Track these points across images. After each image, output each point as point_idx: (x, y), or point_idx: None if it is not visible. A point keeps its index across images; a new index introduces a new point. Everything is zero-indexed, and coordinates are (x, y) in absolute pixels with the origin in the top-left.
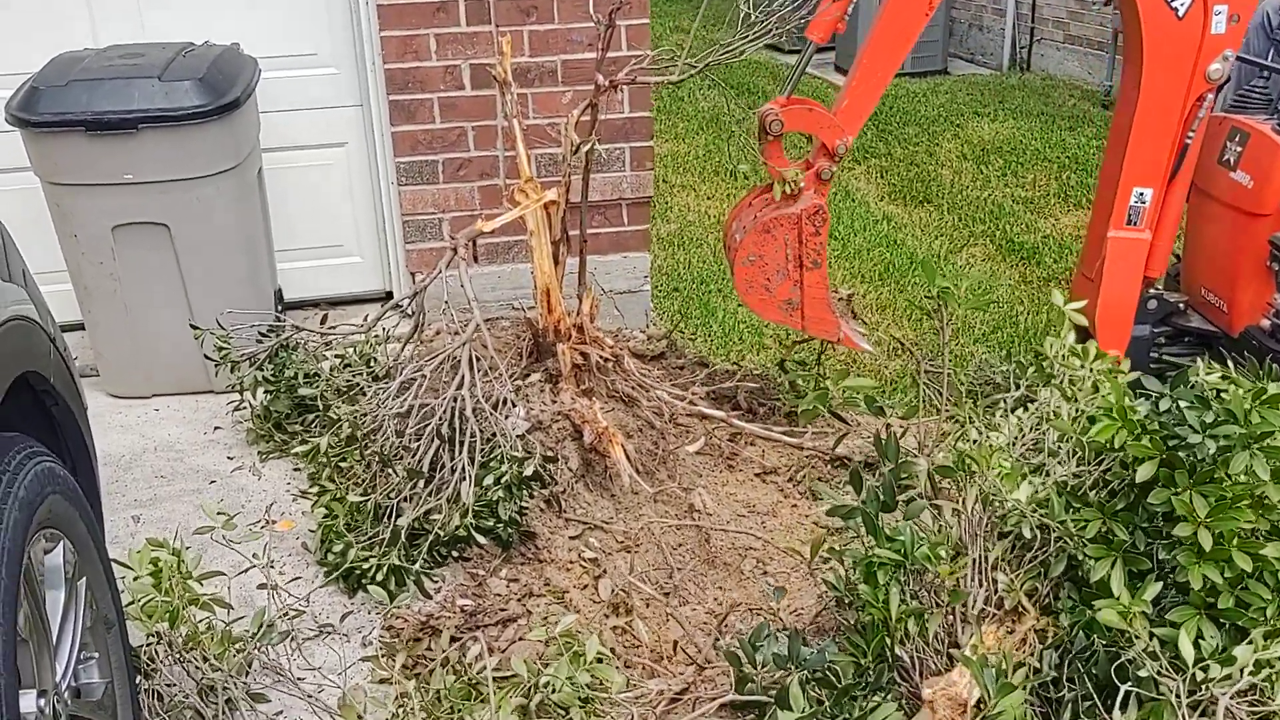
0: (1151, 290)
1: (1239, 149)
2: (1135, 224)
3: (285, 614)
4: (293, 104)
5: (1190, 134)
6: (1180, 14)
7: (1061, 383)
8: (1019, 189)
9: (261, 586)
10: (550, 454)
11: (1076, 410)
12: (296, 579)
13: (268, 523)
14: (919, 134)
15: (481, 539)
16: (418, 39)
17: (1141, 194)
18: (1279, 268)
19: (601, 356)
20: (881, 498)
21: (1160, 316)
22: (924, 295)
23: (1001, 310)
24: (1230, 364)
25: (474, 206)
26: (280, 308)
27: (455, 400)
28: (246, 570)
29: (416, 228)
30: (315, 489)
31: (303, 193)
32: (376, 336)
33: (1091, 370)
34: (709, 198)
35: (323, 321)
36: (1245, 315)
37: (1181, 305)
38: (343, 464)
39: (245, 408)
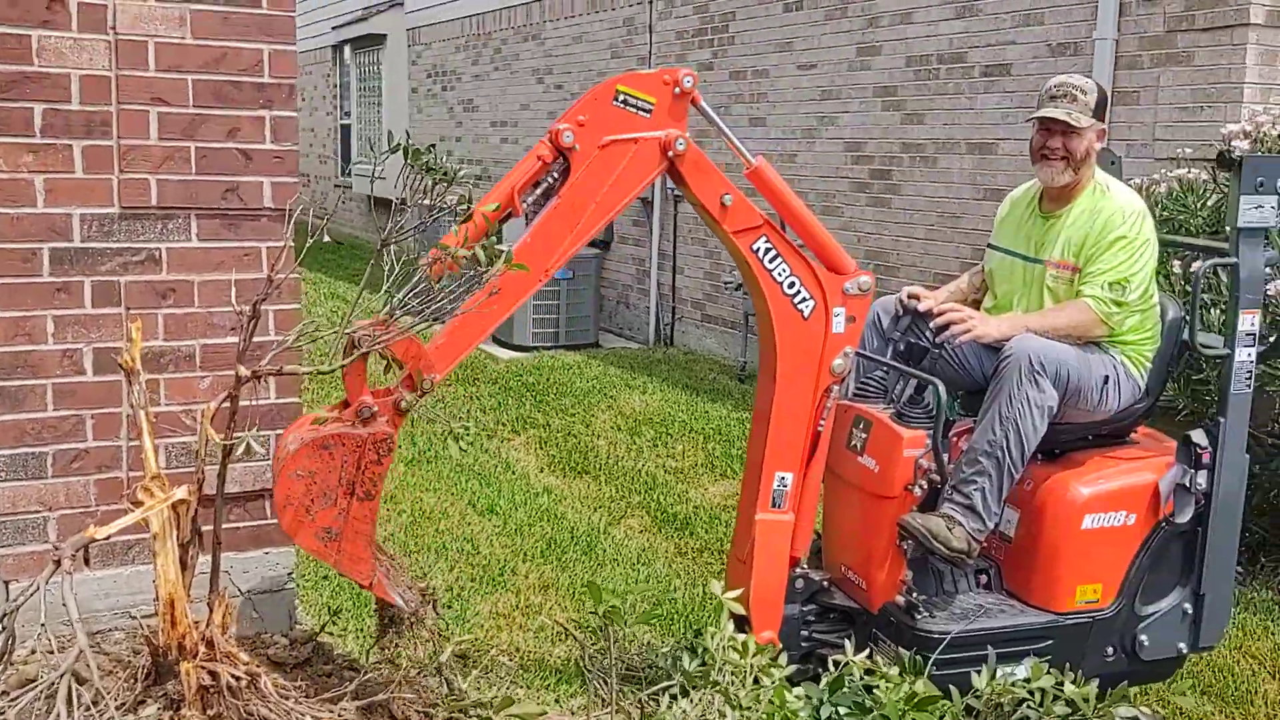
0: (798, 570)
1: (864, 435)
2: (780, 506)
3: None
4: None
5: (822, 422)
6: (806, 315)
7: (722, 676)
8: (669, 459)
9: None
10: None
11: (740, 715)
12: None
13: None
14: (575, 405)
15: None
16: (32, 320)
17: (783, 478)
18: (907, 547)
19: (234, 676)
20: None
21: (807, 595)
22: (589, 611)
23: (660, 585)
24: (873, 642)
25: (89, 503)
26: None
27: None
28: None
29: (16, 529)
30: None
31: None
32: None
33: (751, 665)
34: None
35: None
36: (882, 592)
37: (826, 583)
38: None
39: None
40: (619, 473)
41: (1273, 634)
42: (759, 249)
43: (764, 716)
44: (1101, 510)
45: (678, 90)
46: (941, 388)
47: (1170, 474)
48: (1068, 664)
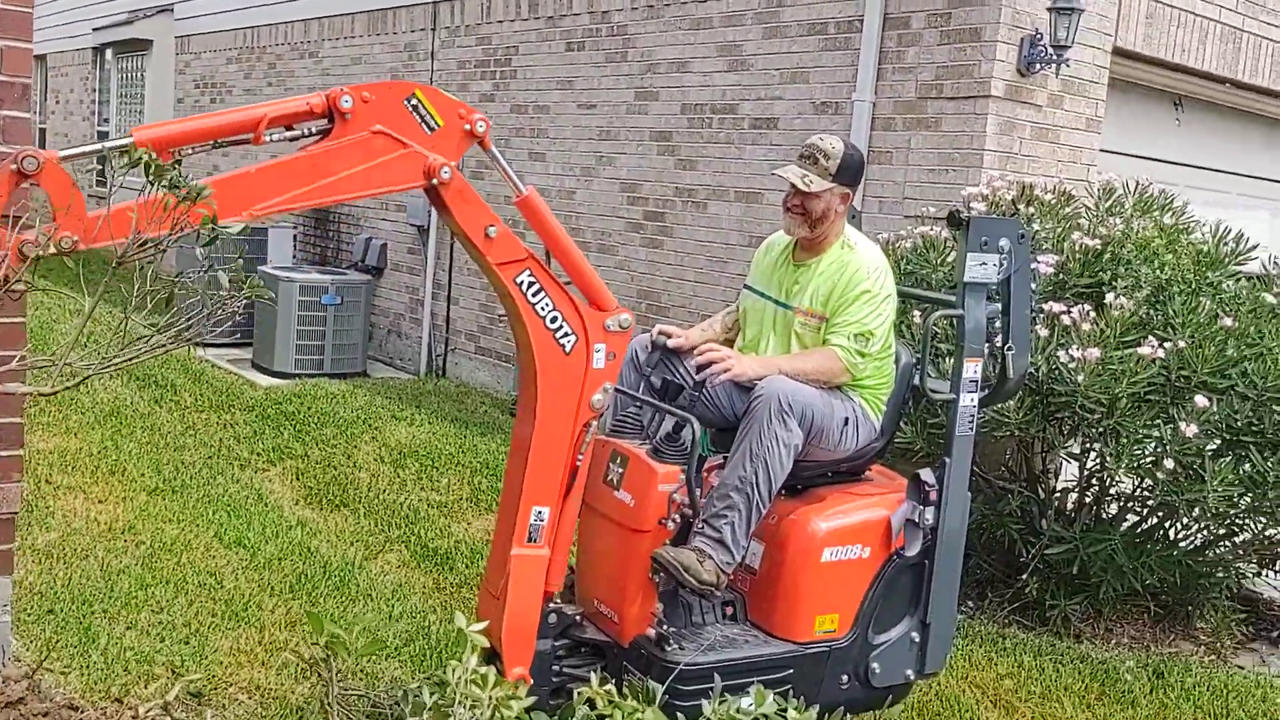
0: (551, 605)
1: (620, 470)
2: (536, 541)
3: None
4: None
5: (580, 456)
6: (567, 350)
7: (463, 710)
8: (434, 493)
9: None
10: None
11: None
12: None
13: None
14: (337, 435)
15: None
16: None
17: (540, 512)
18: (659, 580)
19: None
20: None
21: (560, 630)
22: (311, 642)
23: (414, 621)
24: (623, 675)
25: None
26: None
27: None
28: None
29: None
30: None
31: None
32: None
33: (491, 699)
34: (100, 501)
35: None
36: (634, 625)
37: (578, 618)
38: None
39: None
40: (379, 506)
41: (995, 665)
42: (522, 282)
43: None
44: (839, 544)
45: (467, 128)
46: (696, 425)
47: (901, 510)
48: (804, 693)
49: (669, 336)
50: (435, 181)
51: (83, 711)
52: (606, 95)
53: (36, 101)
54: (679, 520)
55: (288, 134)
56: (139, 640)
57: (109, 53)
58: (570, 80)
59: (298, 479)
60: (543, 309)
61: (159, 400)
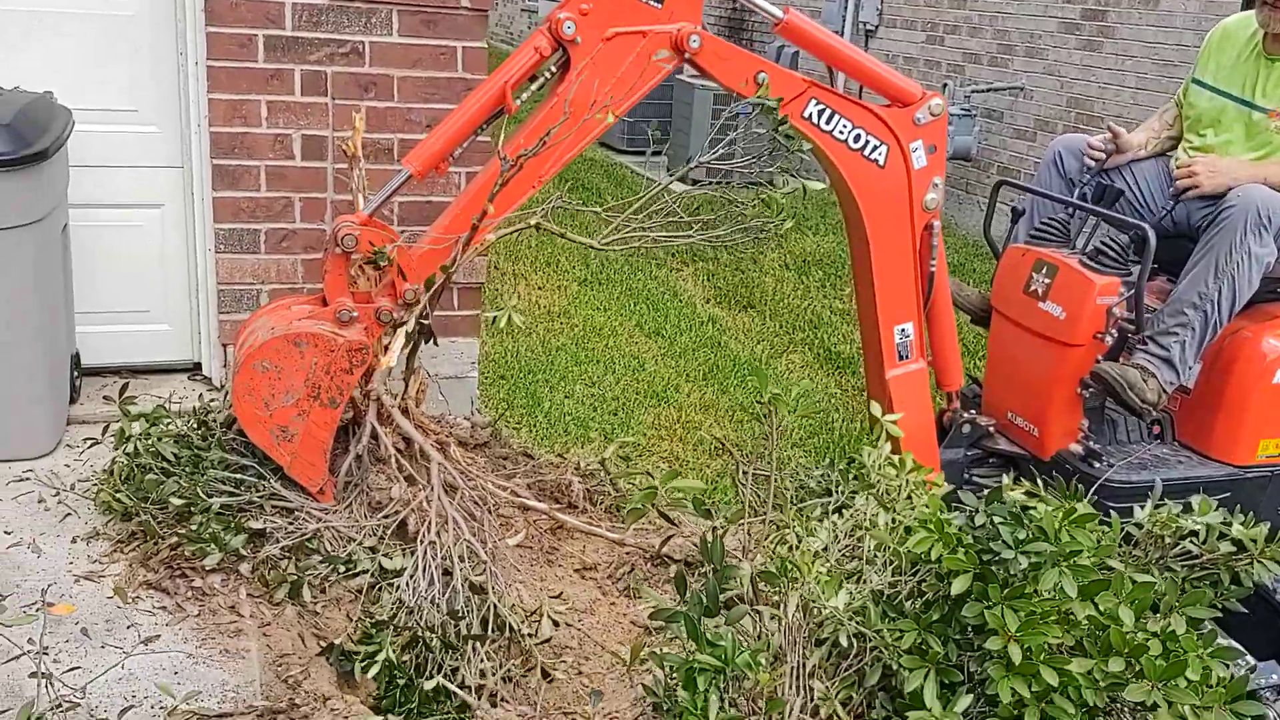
0: (964, 415)
1: (1047, 280)
2: (907, 358)
3: (58, 706)
4: (107, 160)
5: (932, 262)
6: (881, 163)
7: (879, 491)
8: (837, 300)
9: (33, 675)
10: None
11: (894, 520)
12: (74, 669)
13: (44, 605)
14: (745, 242)
15: None
16: (248, 104)
17: (904, 329)
18: (1087, 395)
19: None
20: (705, 602)
21: (973, 440)
22: (755, 400)
23: (819, 417)
24: (1040, 483)
25: (296, 280)
26: (77, 374)
27: None
28: (17, 657)
29: (233, 297)
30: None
31: (110, 253)
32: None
33: (907, 481)
34: (540, 288)
35: (122, 392)
36: (1056, 440)
37: (991, 429)
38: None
39: (29, 476)
40: (784, 310)
41: None
42: (810, 114)
43: (917, 521)
44: None
45: None
46: (1152, 235)
47: None
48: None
49: (1115, 135)
50: (689, 55)
51: (535, 459)
52: None
53: None
54: (1115, 335)
55: (535, 87)
56: (575, 408)
57: None
58: None
59: (708, 280)
60: (841, 132)
61: (585, 201)
